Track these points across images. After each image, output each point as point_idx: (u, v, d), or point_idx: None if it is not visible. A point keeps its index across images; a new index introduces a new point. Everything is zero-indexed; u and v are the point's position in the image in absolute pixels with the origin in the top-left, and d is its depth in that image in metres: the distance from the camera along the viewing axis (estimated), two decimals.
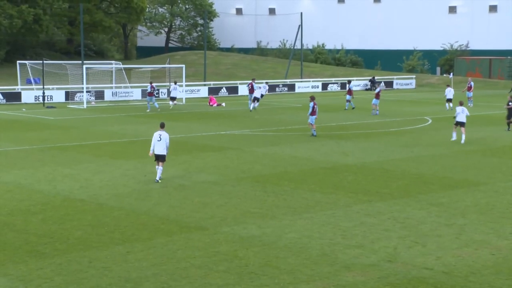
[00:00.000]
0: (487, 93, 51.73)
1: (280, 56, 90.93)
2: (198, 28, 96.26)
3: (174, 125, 36.83)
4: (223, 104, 49.27)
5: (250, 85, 46.79)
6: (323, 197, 18.47)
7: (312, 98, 31.58)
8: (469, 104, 48.43)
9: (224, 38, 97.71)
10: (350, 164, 23.93)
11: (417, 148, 27.63)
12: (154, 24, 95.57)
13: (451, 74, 65.93)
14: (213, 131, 33.48)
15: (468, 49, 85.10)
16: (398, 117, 40.31)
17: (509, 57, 77.40)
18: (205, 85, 59.94)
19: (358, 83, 68.66)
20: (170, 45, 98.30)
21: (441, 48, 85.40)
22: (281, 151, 26.79)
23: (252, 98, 44.87)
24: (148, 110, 44.30)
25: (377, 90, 42.53)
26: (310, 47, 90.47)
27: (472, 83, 50.35)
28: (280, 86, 63.68)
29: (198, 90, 57.89)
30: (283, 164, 23.83)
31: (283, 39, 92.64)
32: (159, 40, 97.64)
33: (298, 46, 74.70)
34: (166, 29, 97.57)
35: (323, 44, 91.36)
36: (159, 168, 20.59)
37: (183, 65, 54.96)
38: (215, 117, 40.72)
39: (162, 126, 20.75)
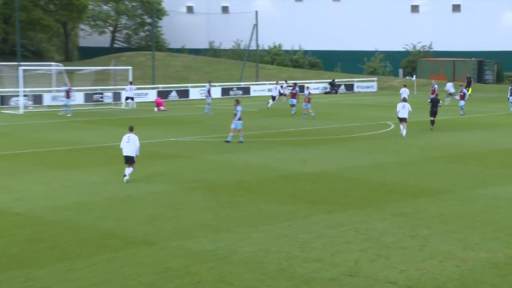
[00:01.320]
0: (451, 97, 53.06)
1: (234, 58, 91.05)
2: (146, 27, 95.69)
3: (120, 131, 36.42)
4: (163, 107, 49.18)
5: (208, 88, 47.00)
6: (280, 208, 18.51)
7: (238, 102, 31.78)
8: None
9: (174, 38, 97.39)
10: (309, 172, 24.05)
11: (380, 155, 27.94)
12: (98, 22, 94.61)
13: (414, 76, 67.01)
14: (162, 138, 33.25)
15: (431, 50, 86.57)
16: (359, 122, 40.74)
17: (473, 58, 78.97)
18: (153, 88, 59.59)
19: (317, 86, 69.21)
20: (115, 45, 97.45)
21: (404, 49, 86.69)
22: (236, 159, 26.77)
23: (271, 96, 51.09)
24: (69, 115, 44.24)
25: (306, 93, 43.04)
26: (266, 48, 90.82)
27: (436, 86, 51.27)
28: (234, 89, 63.76)
29: (146, 94, 57.51)
30: (238, 173, 23.80)
31: (237, 39, 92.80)
32: (103, 40, 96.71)
33: (253, 46, 74.93)
34: (111, 28, 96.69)
35: (279, 45, 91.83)
36: (129, 169, 22.15)
37: (130, 67, 54.53)
38: (164, 123, 40.47)
39: (131, 129, 22.46)
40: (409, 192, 20.66)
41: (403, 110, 34.13)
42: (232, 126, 31.26)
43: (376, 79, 74.72)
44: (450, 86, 55.24)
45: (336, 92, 68.36)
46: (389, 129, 37.20)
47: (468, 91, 63.47)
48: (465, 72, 77.99)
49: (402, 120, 34.01)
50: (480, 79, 78.15)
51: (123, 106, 50.81)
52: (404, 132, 33.67)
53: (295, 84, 47.54)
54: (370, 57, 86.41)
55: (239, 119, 31.23)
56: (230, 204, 19.01)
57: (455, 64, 79.33)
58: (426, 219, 17.42)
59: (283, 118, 43.24)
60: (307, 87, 45.72)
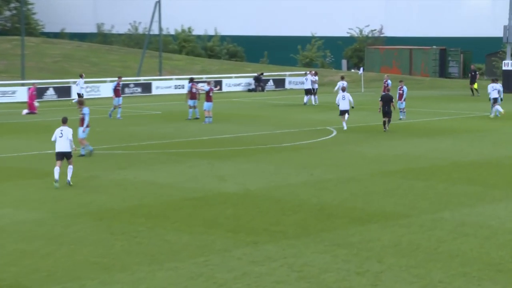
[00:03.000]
0: (409, 94, 53.22)
1: (130, 45, 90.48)
2: (12, 5, 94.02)
3: None
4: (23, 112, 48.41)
5: (117, 86, 46.00)
6: (192, 239, 18.50)
7: (81, 103, 31.16)
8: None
9: (51, 19, 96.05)
10: (229, 192, 24.12)
11: (318, 170, 28.26)
12: None
13: (361, 69, 67.98)
14: (35, 150, 32.72)
15: (382, 35, 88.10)
16: (292, 127, 41.11)
17: (434, 46, 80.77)
18: (23, 85, 58.56)
19: (238, 82, 69.43)
20: None
21: (348, 35, 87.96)
22: (133, 177, 26.61)
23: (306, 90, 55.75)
24: None
25: (207, 89, 42.99)
26: (172, 33, 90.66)
27: (390, 82, 52.20)
28: (131, 85, 63.33)
29: (13, 93, 56.44)
30: (137, 195, 23.66)
31: (134, 21, 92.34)
32: None
33: (155, 31, 74.64)
34: None
35: (189, 29, 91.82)
36: (69, 168, 24.65)
37: None
38: (38, 130, 39.83)
39: (64, 121, 24.95)
40: (355, 217, 20.96)
41: (344, 101, 39.16)
42: (81, 136, 30.58)
43: (313, 72, 75.47)
44: (308, 82, 56.34)
45: (263, 89, 68.85)
46: (330, 136, 37.68)
47: (474, 87, 63.94)
48: (425, 64, 79.70)
49: (343, 112, 39.05)
50: (443, 72, 79.92)
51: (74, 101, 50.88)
52: (344, 124, 38.96)
53: (192, 79, 46.56)
54: (305, 44, 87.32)
55: (88, 125, 30.76)
56: (126, 234, 18.87)
57: (411, 53, 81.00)
58: (377, 250, 17.71)
59: (196, 123, 43.21)
60: (208, 82, 45.62)
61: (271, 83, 70.93)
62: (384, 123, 38.91)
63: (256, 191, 24.35)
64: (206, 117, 42.73)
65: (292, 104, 55.63)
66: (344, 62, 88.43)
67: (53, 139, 24.91)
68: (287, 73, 74.64)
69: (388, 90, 42.15)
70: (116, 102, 45.18)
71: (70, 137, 24.73)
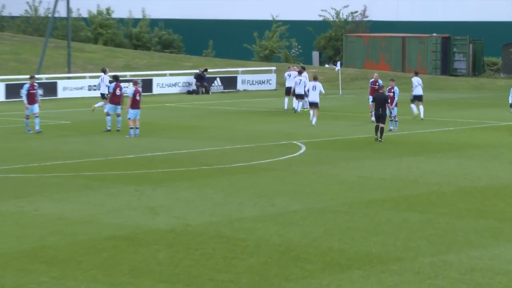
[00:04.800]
0: (402, 97, 52.73)
1: (28, 32, 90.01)
2: None
3: None
4: None
5: (30, 89, 45.30)
6: None
7: None
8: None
9: None
10: (163, 229, 24.09)
11: (282, 198, 28.31)
12: None
13: (338, 64, 68.20)
14: None
15: (366, 19, 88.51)
16: (248, 142, 41.14)
17: (434, 34, 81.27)
18: None
19: (175, 81, 69.30)
20: None
21: (320, 18, 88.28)
22: (33, 209, 26.47)
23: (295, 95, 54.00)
24: None
25: (131, 92, 42.62)
26: (85, 15, 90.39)
27: (381, 82, 52.42)
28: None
29: None
30: (38, 233, 23.55)
31: (34, 0, 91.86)
32: None
33: (62, 13, 74.29)
34: None
35: (108, 10, 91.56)
36: None
37: None
38: None
39: None
40: (331, 261, 21.03)
41: (314, 92, 44.78)
42: None
43: (274, 68, 75.56)
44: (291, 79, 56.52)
45: (207, 91, 68.84)
46: (297, 153, 37.72)
47: None
48: (421, 56, 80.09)
49: (312, 105, 44.52)
50: (446, 68, 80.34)
51: (96, 106, 50.22)
52: (314, 120, 43.69)
53: (116, 78, 46.22)
54: (263, 31, 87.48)
55: None
56: (23, 287, 18.78)
57: (404, 42, 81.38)
58: None
59: (117, 136, 43.01)
60: (135, 82, 45.43)
61: (218, 82, 70.96)
62: (377, 130, 39.30)
63: (199, 227, 24.35)
64: (131, 128, 42.50)
65: (248, 111, 55.68)
66: (315, 55, 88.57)
67: None
68: (240, 69, 74.65)
69: (382, 88, 42.90)
70: (30, 111, 44.17)
71: None
